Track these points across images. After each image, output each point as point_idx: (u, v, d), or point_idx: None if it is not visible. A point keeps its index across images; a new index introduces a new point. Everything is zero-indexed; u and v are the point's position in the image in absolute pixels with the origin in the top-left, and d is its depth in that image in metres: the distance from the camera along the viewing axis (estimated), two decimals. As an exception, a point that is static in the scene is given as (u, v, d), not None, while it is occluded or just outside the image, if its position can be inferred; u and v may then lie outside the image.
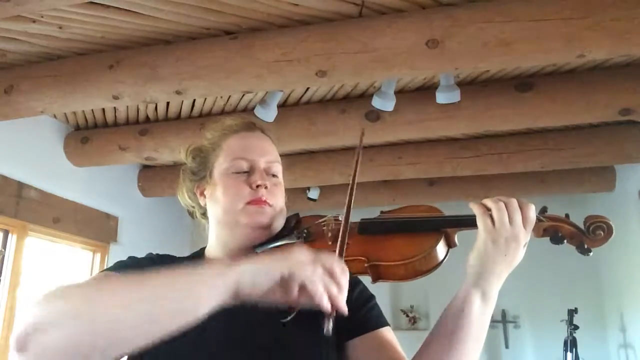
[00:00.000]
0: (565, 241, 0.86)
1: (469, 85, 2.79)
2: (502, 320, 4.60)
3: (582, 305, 3.99)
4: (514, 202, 0.82)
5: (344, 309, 0.72)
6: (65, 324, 0.66)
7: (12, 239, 2.99)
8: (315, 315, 0.94)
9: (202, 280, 0.71)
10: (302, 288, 0.72)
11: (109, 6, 2.10)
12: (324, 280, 0.71)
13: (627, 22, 1.90)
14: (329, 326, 0.72)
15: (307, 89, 2.90)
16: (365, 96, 2.95)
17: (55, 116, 3.28)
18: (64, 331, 0.65)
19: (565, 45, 1.97)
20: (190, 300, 0.69)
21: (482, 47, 2.03)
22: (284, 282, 0.72)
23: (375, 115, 2.89)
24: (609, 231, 0.84)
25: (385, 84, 2.68)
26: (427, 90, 2.87)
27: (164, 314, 0.68)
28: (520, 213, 0.82)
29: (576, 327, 3.90)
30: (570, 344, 3.90)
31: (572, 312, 3.93)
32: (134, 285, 0.71)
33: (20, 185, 3.02)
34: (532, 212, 0.83)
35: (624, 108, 2.59)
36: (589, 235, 0.85)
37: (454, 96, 2.60)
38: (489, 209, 0.83)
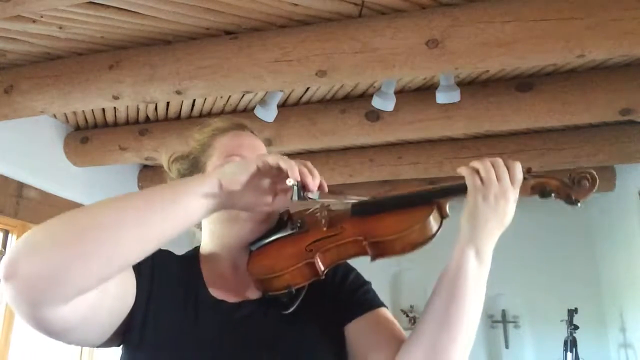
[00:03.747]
0: (552, 195, 0.88)
1: (469, 85, 2.79)
2: (502, 320, 4.60)
3: (582, 305, 3.98)
4: (500, 161, 0.87)
5: (314, 185, 0.80)
6: (61, 234, 0.69)
7: (12, 239, 2.99)
8: (311, 307, 0.94)
9: (187, 182, 0.84)
10: (274, 188, 0.83)
11: (109, 6, 2.10)
12: (297, 162, 0.80)
13: (627, 22, 1.89)
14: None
15: (307, 89, 2.90)
16: (365, 96, 2.95)
17: (55, 116, 3.28)
18: (58, 239, 0.68)
19: (565, 45, 1.97)
20: (183, 198, 0.77)
21: (482, 47, 2.02)
22: (259, 179, 0.82)
23: (375, 115, 2.89)
24: (593, 181, 0.87)
25: (385, 84, 2.68)
26: (427, 90, 2.86)
27: (158, 217, 0.74)
28: (507, 171, 0.85)
29: (576, 327, 3.90)
30: (570, 344, 3.90)
31: (572, 312, 3.94)
32: (126, 200, 0.76)
33: (20, 185, 3.02)
34: (519, 169, 0.86)
35: (624, 108, 2.59)
36: (575, 186, 0.88)
37: (454, 96, 2.60)
38: (477, 170, 0.87)
